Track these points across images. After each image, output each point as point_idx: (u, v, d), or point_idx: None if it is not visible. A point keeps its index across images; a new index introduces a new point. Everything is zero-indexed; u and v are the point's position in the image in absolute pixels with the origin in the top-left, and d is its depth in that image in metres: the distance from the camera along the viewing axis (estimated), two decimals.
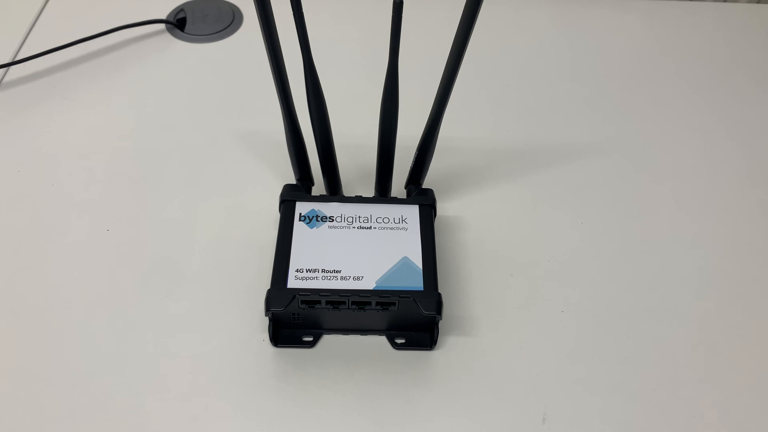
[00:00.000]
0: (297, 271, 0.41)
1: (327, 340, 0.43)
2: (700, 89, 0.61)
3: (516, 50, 0.64)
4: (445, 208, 0.50)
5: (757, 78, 0.62)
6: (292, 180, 0.48)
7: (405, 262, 0.42)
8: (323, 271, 0.41)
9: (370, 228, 0.44)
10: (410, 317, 0.42)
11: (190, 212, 0.50)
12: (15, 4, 0.66)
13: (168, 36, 0.64)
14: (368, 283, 0.41)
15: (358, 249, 0.42)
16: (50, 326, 0.43)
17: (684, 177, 0.54)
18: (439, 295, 0.41)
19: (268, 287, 0.41)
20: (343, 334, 0.43)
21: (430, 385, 0.42)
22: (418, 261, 0.42)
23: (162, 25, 0.64)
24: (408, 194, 0.48)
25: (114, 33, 0.62)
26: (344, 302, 0.40)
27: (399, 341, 0.43)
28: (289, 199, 0.45)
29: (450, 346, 0.43)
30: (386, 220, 0.44)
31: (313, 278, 0.41)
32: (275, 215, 0.46)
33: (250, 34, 0.64)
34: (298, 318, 0.42)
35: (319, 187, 0.49)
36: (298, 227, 0.43)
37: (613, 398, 0.41)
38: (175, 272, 0.46)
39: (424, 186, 0.48)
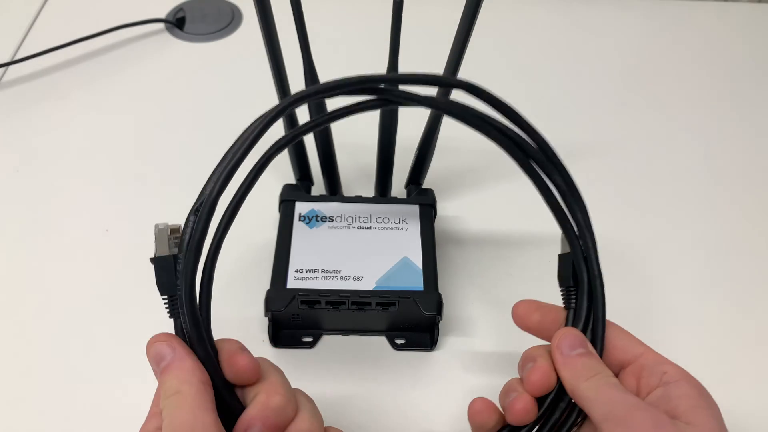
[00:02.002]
0: (297, 271, 0.41)
1: (327, 340, 0.43)
2: (700, 89, 0.61)
3: (516, 50, 0.64)
4: (445, 208, 0.50)
5: (757, 78, 0.62)
6: (291, 180, 0.48)
7: (405, 263, 0.42)
8: (323, 271, 0.41)
9: (370, 228, 0.43)
10: (410, 318, 0.42)
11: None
12: (14, 3, 0.66)
13: (167, 35, 0.64)
14: (368, 284, 0.40)
15: (358, 249, 0.42)
16: (50, 326, 0.43)
17: (684, 177, 0.54)
18: (440, 295, 0.41)
19: (268, 287, 0.41)
20: (343, 335, 0.43)
21: (430, 385, 0.41)
22: (418, 261, 0.42)
23: (161, 25, 0.64)
24: (408, 194, 0.48)
25: (113, 32, 0.62)
26: (344, 303, 0.40)
27: (399, 342, 0.43)
28: (288, 199, 0.45)
29: (450, 346, 0.43)
30: (386, 220, 0.44)
31: (313, 278, 0.41)
32: (275, 215, 0.46)
33: (249, 34, 0.64)
34: (297, 318, 0.42)
35: (318, 187, 0.49)
36: (298, 227, 0.43)
37: None
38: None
39: (424, 186, 0.48)
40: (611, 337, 0.33)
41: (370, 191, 0.49)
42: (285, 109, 0.32)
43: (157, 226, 0.31)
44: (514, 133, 0.34)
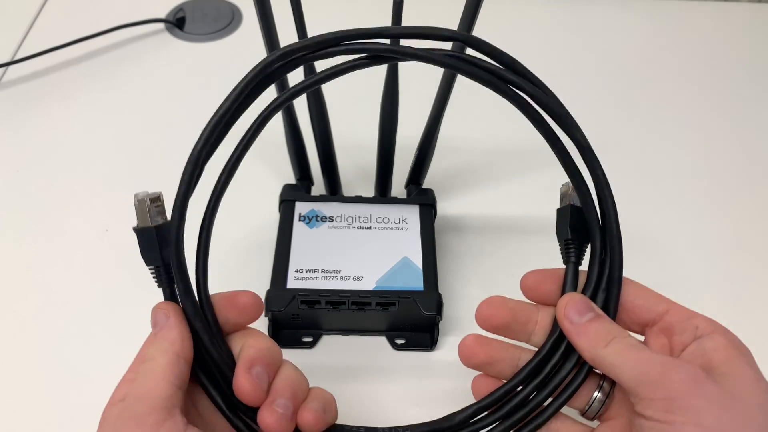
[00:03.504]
0: (297, 271, 0.41)
1: (327, 340, 0.43)
2: (701, 89, 0.61)
3: (516, 49, 0.64)
4: (445, 208, 0.50)
5: (757, 78, 0.62)
6: (291, 180, 0.48)
7: (405, 262, 0.42)
8: (323, 271, 0.41)
9: (370, 228, 0.43)
10: (410, 317, 0.42)
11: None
12: (14, 3, 0.65)
13: (167, 35, 0.64)
14: (368, 284, 0.40)
15: (358, 249, 0.42)
16: (50, 326, 0.43)
17: (684, 177, 0.54)
18: (439, 295, 0.41)
19: (268, 287, 0.40)
20: (343, 335, 0.43)
21: (430, 385, 0.41)
22: (418, 261, 0.42)
23: (161, 25, 0.64)
24: (408, 194, 0.48)
25: (113, 32, 0.62)
26: (344, 303, 0.40)
27: (399, 342, 0.43)
28: (288, 199, 0.45)
29: (450, 346, 0.43)
30: (386, 220, 0.44)
31: (313, 278, 0.41)
32: (275, 215, 0.46)
33: (249, 34, 0.64)
34: (297, 318, 0.42)
35: (318, 187, 0.49)
36: (298, 227, 0.43)
37: None
38: None
39: (424, 186, 0.48)
40: (630, 297, 0.32)
41: (370, 191, 0.49)
42: (270, 64, 0.31)
43: (136, 196, 0.31)
44: (527, 83, 0.32)
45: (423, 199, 0.46)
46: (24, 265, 0.46)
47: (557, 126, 0.33)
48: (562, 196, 0.35)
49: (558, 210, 0.35)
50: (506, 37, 0.65)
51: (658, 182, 0.53)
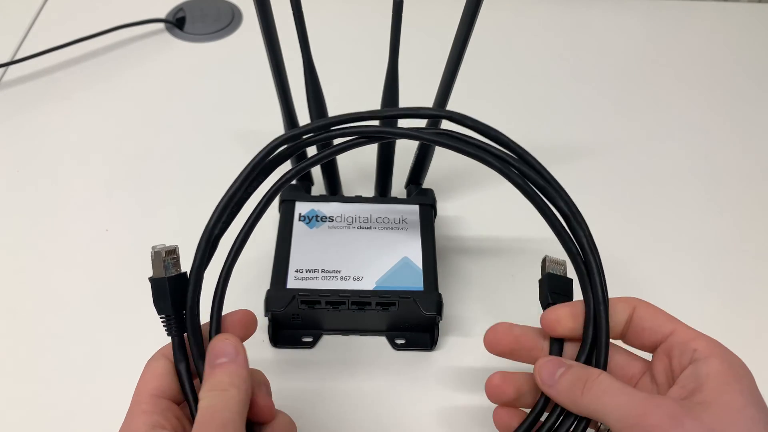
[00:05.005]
0: (297, 271, 0.41)
1: (327, 340, 0.43)
2: (700, 89, 0.61)
3: (516, 50, 0.64)
4: (445, 208, 0.50)
5: (757, 78, 0.62)
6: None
7: (405, 263, 0.42)
8: (323, 271, 0.41)
9: (370, 228, 0.43)
10: (410, 317, 0.42)
11: (189, 212, 0.50)
12: (14, 3, 0.66)
13: (167, 35, 0.64)
14: (368, 284, 0.40)
15: (358, 249, 0.42)
16: (50, 326, 0.43)
17: (684, 177, 0.54)
18: (440, 295, 0.41)
19: (268, 288, 0.41)
20: (343, 335, 0.43)
21: (430, 385, 0.41)
22: (418, 261, 0.42)
23: (161, 25, 0.64)
24: (408, 194, 0.48)
25: (113, 32, 0.62)
26: (344, 303, 0.40)
27: (399, 342, 0.43)
28: (288, 199, 0.45)
29: (450, 346, 0.43)
30: (386, 220, 0.44)
31: (313, 278, 0.41)
32: (275, 215, 0.46)
33: (249, 34, 0.64)
34: (297, 318, 0.42)
35: (318, 187, 0.49)
36: (298, 227, 0.43)
37: None
38: None
39: (424, 186, 0.48)
40: (637, 321, 0.33)
41: (370, 191, 0.49)
42: (275, 148, 0.35)
43: (153, 248, 0.32)
44: (511, 157, 0.35)
45: (423, 199, 0.46)
46: (24, 265, 0.46)
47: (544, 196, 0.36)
48: (542, 269, 0.36)
49: (539, 281, 0.36)
50: (506, 37, 0.65)
51: (657, 182, 0.53)
